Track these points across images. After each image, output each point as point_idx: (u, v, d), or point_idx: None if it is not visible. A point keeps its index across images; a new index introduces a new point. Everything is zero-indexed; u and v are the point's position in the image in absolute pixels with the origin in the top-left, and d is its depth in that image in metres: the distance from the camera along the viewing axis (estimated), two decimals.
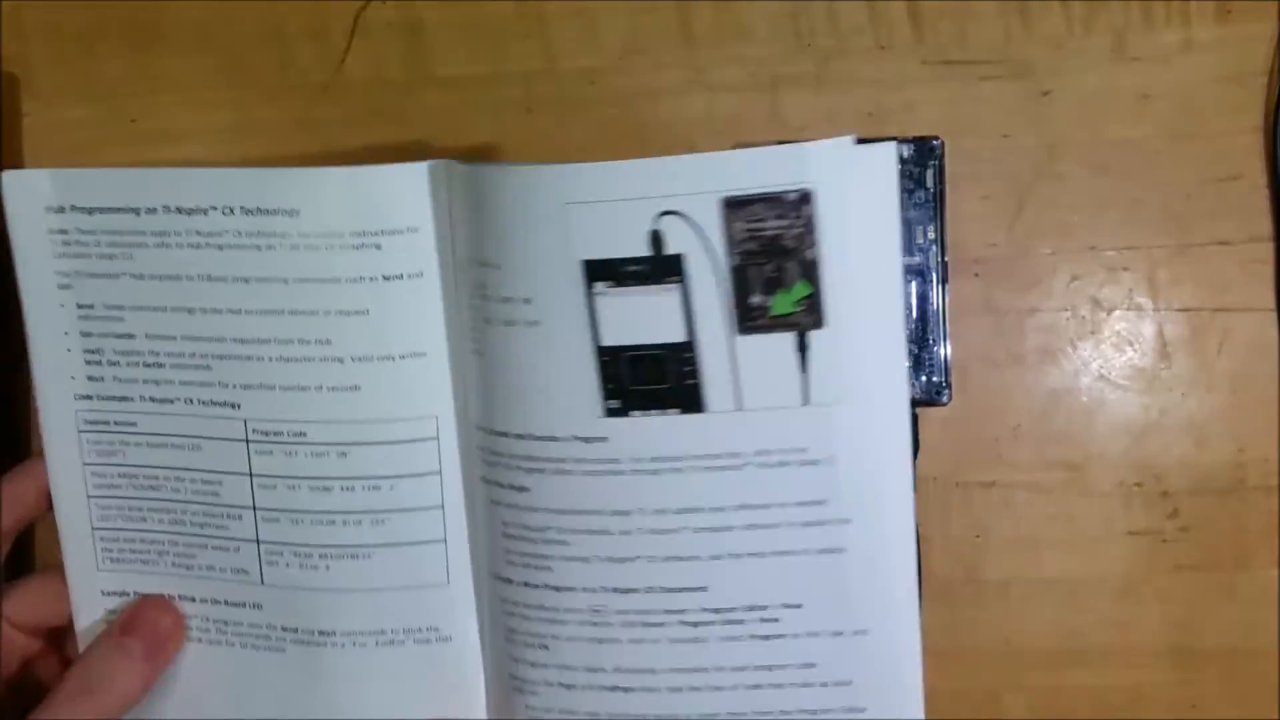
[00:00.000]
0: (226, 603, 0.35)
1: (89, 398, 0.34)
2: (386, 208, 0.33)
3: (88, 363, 0.34)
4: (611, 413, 0.32)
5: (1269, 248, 0.39)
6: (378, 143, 0.40)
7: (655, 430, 0.32)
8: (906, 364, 0.33)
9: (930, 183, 0.38)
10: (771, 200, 0.30)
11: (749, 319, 0.31)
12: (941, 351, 0.38)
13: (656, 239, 0.31)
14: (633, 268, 0.31)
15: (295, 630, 0.35)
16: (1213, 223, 0.39)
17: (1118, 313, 0.39)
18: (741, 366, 0.32)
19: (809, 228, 0.30)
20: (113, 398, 0.34)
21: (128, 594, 0.35)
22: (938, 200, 0.38)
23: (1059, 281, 0.39)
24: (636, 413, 0.32)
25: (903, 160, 0.38)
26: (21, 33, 0.41)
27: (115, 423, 0.34)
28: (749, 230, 0.31)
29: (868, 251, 0.31)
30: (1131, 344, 0.39)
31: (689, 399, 0.32)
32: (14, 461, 0.40)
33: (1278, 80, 0.39)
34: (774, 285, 0.31)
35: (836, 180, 0.30)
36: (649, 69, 0.40)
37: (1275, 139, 0.38)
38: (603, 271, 0.31)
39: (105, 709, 0.30)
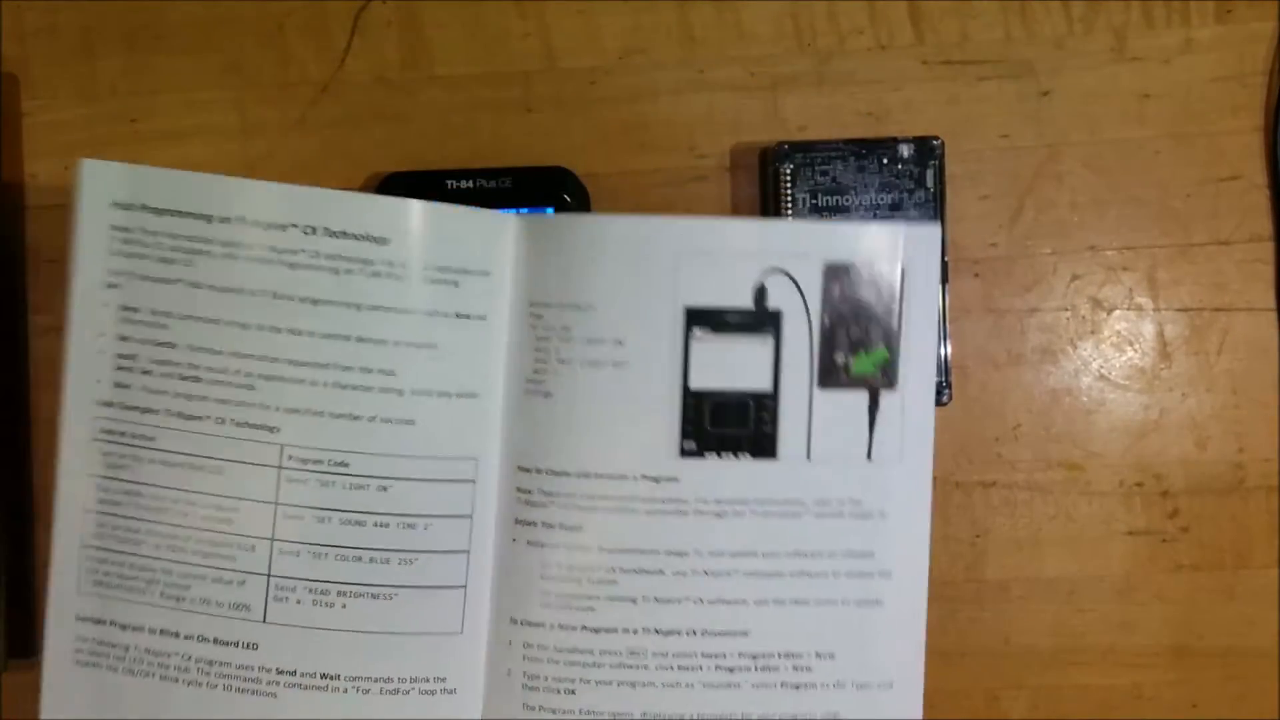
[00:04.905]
0: (216, 640, 0.33)
1: (110, 404, 0.33)
2: (470, 248, 0.34)
3: (118, 368, 0.33)
4: (686, 454, 0.34)
5: (1269, 248, 0.39)
6: (378, 143, 0.40)
7: (725, 473, 0.34)
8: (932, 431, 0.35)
9: (930, 183, 0.38)
10: (869, 271, 0.34)
11: (830, 375, 0.34)
12: (941, 351, 0.38)
13: (761, 293, 0.34)
14: (734, 318, 0.34)
15: (294, 673, 0.33)
16: (1213, 223, 0.39)
17: (1118, 313, 0.39)
18: (816, 419, 0.34)
19: (896, 299, 0.34)
20: (136, 408, 0.33)
21: (104, 622, 0.33)
22: (938, 200, 0.38)
23: (1059, 281, 0.39)
24: (711, 455, 0.34)
25: (903, 160, 0.38)
26: (21, 33, 0.41)
27: (133, 435, 0.33)
28: (844, 295, 0.34)
29: (925, 326, 0.34)
30: (1131, 344, 0.39)
31: (763, 445, 0.34)
32: (14, 464, 0.41)
33: (1278, 80, 0.39)
34: (858, 347, 0.34)
35: (923, 259, 0.34)
36: (649, 69, 0.40)
37: (1275, 139, 0.38)
38: (703, 319, 0.34)
39: None
